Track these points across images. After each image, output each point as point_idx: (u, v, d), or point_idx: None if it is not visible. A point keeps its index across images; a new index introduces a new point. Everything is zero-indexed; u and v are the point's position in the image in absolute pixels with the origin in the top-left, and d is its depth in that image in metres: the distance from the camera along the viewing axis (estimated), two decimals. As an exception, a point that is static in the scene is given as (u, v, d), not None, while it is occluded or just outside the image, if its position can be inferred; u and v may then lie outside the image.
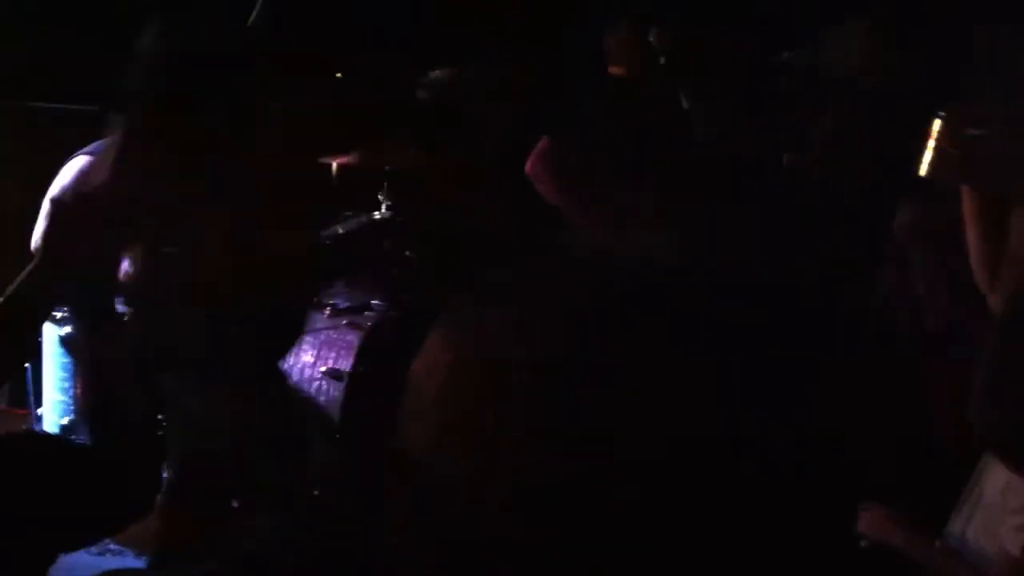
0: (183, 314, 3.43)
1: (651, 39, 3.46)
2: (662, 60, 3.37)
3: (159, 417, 3.40)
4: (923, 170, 2.40)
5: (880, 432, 2.92)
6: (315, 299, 4.38)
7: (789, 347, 2.95)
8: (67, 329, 4.35)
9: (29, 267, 3.00)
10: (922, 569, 2.46)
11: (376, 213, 4.48)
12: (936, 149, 2.36)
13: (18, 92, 4.81)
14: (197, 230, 3.51)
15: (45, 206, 3.06)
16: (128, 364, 3.58)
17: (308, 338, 4.27)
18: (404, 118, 4.50)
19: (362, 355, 4.11)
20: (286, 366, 4.25)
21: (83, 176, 3.07)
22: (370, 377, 4.10)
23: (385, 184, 4.44)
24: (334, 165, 4.53)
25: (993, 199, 2.37)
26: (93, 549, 3.84)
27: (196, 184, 3.36)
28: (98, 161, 3.07)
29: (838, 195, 2.99)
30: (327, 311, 4.33)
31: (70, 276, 3.14)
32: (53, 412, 4.31)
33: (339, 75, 4.60)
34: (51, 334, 4.39)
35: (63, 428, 4.12)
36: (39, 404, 4.42)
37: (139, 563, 3.89)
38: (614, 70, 3.49)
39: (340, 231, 4.44)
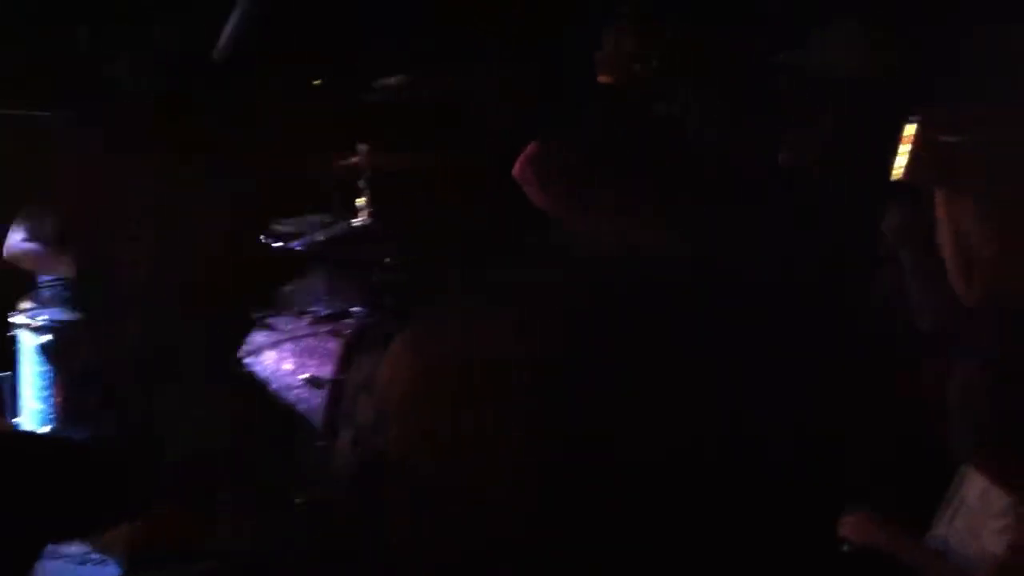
0: (180, 313, 3.45)
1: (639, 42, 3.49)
2: (654, 64, 3.38)
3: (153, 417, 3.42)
4: (898, 173, 2.42)
5: (870, 433, 2.94)
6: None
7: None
8: (46, 338, 4.35)
9: None
10: (907, 571, 2.49)
11: (356, 220, 4.47)
12: (911, 152, 2.39)
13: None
14: (194, 229, 3.54)
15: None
16: (125, 364, 3.60)
17: (288, 345, 4.26)
18: (401, 119, 4.50)
19: (343, 362, 4.11)
20: (266, 373, 4.25)
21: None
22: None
23: (366, 190, 4.43)
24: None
25: (966, 201, 2.39)
26: (75, 558, 3.83)
27: (191, 184, 3.39)
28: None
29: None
30: (307, 318, 4.34)
31: None
32: (32, 421, 4.30)
33: (325, 77, 4.59)
34: (29, 343, 4.38)
35: (42, 437, 4.09)
36: (17, 413, 4.41)
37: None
38: (603, 79, 3.51)
39: (321, 238, 4.44)
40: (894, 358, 2.92)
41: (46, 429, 4.16)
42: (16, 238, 4.41)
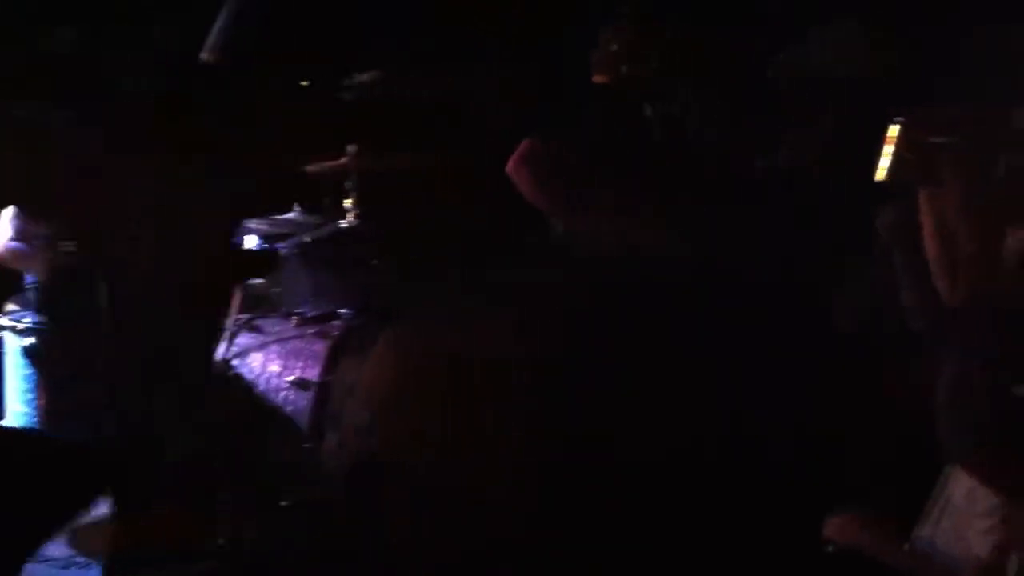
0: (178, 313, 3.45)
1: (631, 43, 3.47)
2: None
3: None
4: (882, 174, 2.41)
5: (860, 432, 2.92)
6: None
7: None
8: (30, 340, 4.32)
9: None
10: (892, 572, 2.47)
11: (343, 221, 4.45)
12: (894, 153, 2.37)
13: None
14: (192, 229, 3.53)
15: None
16: (114, 366, 3.60)
17: (275, 347, 4.24)
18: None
19: (329, 364, 4.09)
20: (253, 375, 4.23)
21: None
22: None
23: (353, 191, 4.41)
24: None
25: (949, 201, 2.37)
26: (59, 562, 3.82)
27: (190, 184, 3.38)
28: None
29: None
30: (294, 320, 4.31)
31: None
32: (16, 423, 4.29)
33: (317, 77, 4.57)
34: (14, 345, 4.36)
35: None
36: (1, 416, 4.39)
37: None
38: (600, 78, 3.48)
39: (308, 239, 4.42)
40: (885, 357, 2.90)
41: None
42: (3, 237, 4.39)
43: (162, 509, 3.81)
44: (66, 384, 4.21)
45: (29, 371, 4.29)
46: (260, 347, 4.27)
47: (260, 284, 4.56)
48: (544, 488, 3.13)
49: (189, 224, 4.27)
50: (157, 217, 4.28)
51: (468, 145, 4.25)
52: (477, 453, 3.25)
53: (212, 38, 4.80)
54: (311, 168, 4.52)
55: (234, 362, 4.27)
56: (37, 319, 4.33)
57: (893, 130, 2.39)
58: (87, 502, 3.25)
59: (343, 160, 4.43)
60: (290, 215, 4.57)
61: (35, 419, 4.24)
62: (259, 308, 4.46)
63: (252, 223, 4.56)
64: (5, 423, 4.31)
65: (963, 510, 2.40)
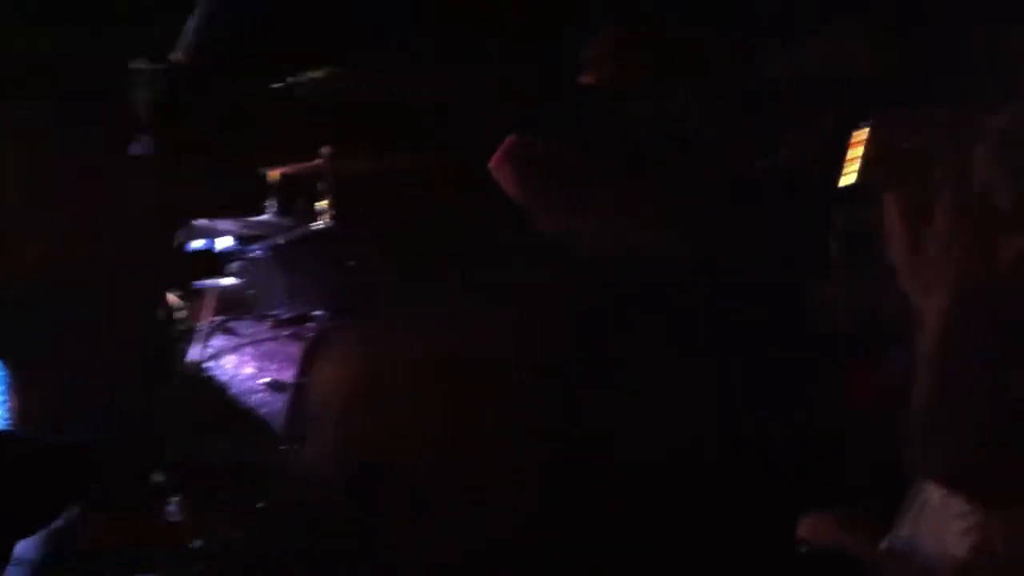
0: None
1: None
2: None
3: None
4: (850, 178, 2.42)
5: (834, 432, 2.94)
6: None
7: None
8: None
9: None
10: (868, 573, 2.47)
11: (318, 223, 4.45)
12: (863, 157, 2.39)
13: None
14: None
15: None
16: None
17: (249, 349, 4.24)
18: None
19: (304, 366, 4.08)
20: (227, 377, 4.22)
21: None
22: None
23: (328, 193, 4.40)
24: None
25: (918, 205, 2.38)
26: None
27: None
28: None
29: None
30: (269, 322, 4.31)
31: None
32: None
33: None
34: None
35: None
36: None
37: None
38: (596, 79, 3.49)
39: (280, 242, 4.41)
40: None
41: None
42: None
43: (134, 512, 3.80)
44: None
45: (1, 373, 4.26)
46: (234, 349, 4.26)
47: (234, 286, 4.55)
48: (518, 489, 3.13)
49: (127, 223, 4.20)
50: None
51: (452, 144, 4.25)
52: (446, 454, 3.26)
53: (184, 38, 4.79)
54: (285, 170, 4.51)
55: (208, 364, 4.26)
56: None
57: (861, 134, 2.40)
58: (56, 504, 3.24)
59: (317, 162, 4.43)
60: (264, 217, 4.56)
61: (8, 422, 4.21)
62: (233, 310, 4.46)
63: (226, 225, 4.56)
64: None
65: (940, 511, 2.41)
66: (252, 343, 4.25)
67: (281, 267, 4.39)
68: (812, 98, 3.10)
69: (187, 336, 4.35)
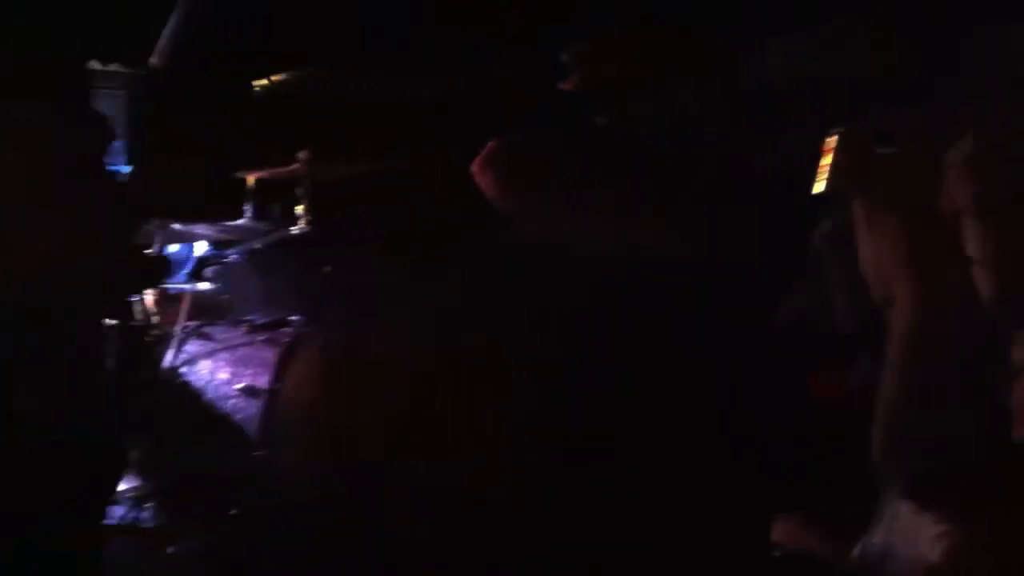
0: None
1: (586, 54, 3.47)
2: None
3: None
4: (821, 185, 2.41)
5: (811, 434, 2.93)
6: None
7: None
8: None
9: None
10: (841, 576, 2.47)
11: (295, 228, 4.43)
12: (832, 164, 2.38)
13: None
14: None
15: None
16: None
17: (224, 355, 4.21)
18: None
19: (279, 371, 4.06)
20: (201, 383, 4.19)
21: None
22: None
23: (305, 197, 4.39)
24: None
25: (886, 210, 2.38)
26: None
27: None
28: None
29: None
30: (244, 327, 4.28)
31: None
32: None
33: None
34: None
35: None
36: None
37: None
38: (567, 86, 3.48)
39: (257, 246, 4.40)
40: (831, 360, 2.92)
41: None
42: None
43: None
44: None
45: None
46: (209, 354, 4.24)
47: (210, 291, 4.53)
48: (508, 490, 3.13)
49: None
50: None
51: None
52: (430, 456, 3.25)
53: (161, 42, 4.77)
54: (261, 174, 4.50)
55: (182, 369, 4.24)
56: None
57: (831, 141, 2.40)
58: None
59: (294, 166, 4.41)
60: (240, 221, 4.55)
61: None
62: (208, 315, 4.44)
63: (202, 229, 4.54)
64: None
65: (913, 516, 2.40)
66: (227, 348, 4.22)
67: (257, 272, 4.37)
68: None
69: (161, 341, 4.32)
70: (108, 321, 4.22)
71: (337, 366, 3.81)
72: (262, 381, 4.04)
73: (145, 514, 3.94)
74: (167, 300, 4.47)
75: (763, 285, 3.07)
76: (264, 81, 4.42)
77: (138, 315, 4.44)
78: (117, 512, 3.90)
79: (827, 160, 2.40)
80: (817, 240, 2.84)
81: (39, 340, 3.27)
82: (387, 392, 3.50)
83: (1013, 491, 2.15)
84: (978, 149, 2.18)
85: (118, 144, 4.58)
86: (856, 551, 2.47)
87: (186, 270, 4.76)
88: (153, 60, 4.77)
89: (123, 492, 3.95)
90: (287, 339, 4.12)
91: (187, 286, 4.64)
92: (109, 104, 4.57)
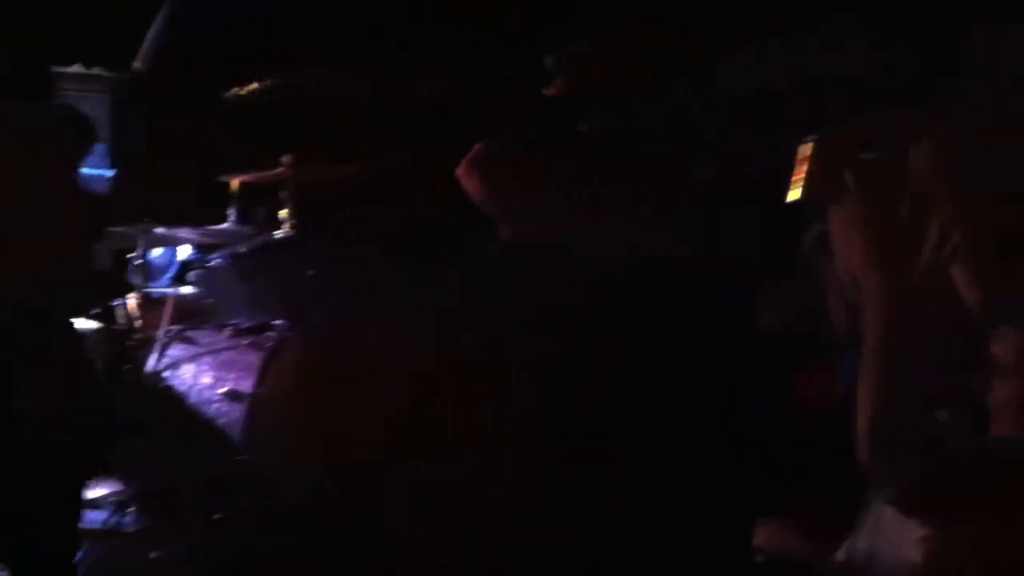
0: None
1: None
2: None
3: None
4: (795, 194, 2.41)
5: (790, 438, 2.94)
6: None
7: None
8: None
9: None
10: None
11: (278, 231, 4.43)
12: (807, 172, 2.38)
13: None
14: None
15: None
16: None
17: (208, 359, 4.20)
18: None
19: (263, 375, 4.05)
20: (184, 387, 4.18)
21: None
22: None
23: (290, 201, 4.38)
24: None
25: (860, 219, 2.38)
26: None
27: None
28: None
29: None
30: (228, 331, 4.27)
31: None
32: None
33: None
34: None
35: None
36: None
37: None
38: (552, 92, 3.48)
39: (240, 250, 4.38)
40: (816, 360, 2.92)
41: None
42: None
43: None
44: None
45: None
46: (193, 358, 4.23)
47: (193, 295, 4.53)
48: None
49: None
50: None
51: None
52: (380, 457, 3.27)
53: (144, 46, 4.76)
54: (245, 178, 4.49)
55: (166, 373, 4.22)
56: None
57: (805, 148, 2.40)
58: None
59: (278, 170, 4.41)
60: (224, 225, 4.54)
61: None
62: (192, 319, 4.43)
63: (186, 233, 4.53)
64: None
65: (896, 519, 2.40)
66: (211, 352, 4.21)
67: (240, 276, 4.36)
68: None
69: (144, 345, 4.31)
70: (90, 325, 4.23)
71: (323, 368, 3.80)
72: (245, 385, 4.03)
73: (128, 518, 3.93)
74: (150, 304, 4.46)
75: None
76: (249, 86, 4.41)
77: (121, 319, 4.43)
78: (100, 516, 3.90)
79: (802, 168, 2.41)
80: (806, 241, 2.85)
81: (23, 339, 3.27)
82: (374, 394, 3.50)
83: (997, 492, 2.16)
84: (952, 148, 2.18)
85: (101, 147, 4.57)
86: (840, 554, 2.48)
87: (169, 274, 4.75)
88: (136, 64, 4.76)
89: (106, 496, 3.95)
90: (271, 343, 4.11)
91: (170, 290, 4.62)
92: (92, 107, 4.56)
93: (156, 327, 4.38)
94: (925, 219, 2.11)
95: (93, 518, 3.89)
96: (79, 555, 3.72)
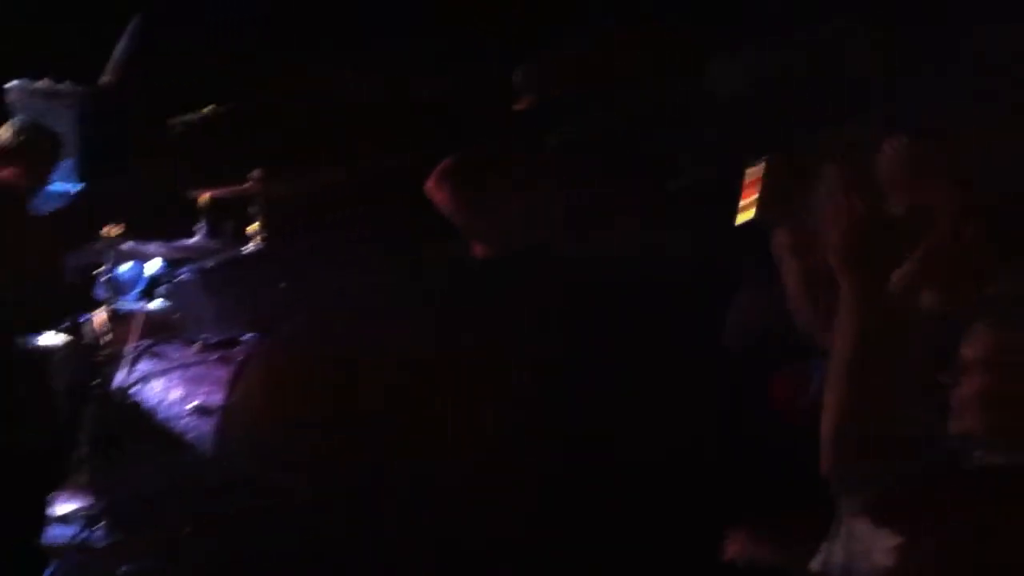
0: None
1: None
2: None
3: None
4: (748, 215, 2.41)
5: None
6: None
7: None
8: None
9: None
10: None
11: (248, 246, 4.41)
12: (760, 193, 2.39)
13: None
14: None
15: None
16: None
17: (177, 373, 4.18)
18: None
19: (233, 389, 4.04)
20: (153, 402, 4.16)
21: None
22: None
23: (259, 215, 4.38)
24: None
25: (807, 241, 2.39)
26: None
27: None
28: None
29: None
30: (197, 346, 4.25)
31: None
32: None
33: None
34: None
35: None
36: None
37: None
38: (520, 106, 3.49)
39: (209, 265, 4.37)
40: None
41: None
42: None
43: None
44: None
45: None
46: (162, 373, 4.20)
47: (163, 309, 4.51)
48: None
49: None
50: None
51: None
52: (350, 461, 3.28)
53: (112, 60, 4.75)
54: (215, 192, 4.48)
55: (135, 388, 4.20)
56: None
57: (756, 170, 2.40)
58: None
59: (247, 184, 4.41)
60: (193, 239, 4.52)
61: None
62: (161, 334, 4.40)
63: (155, 247, 4.52)
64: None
65: (867, 528, 2.42)
66: (180, 367, 4.19)
67: (210, 290, 4.34)
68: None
69: (113, 360, 4.28)
70: (58, 340, 4.21)
71: (291, 379, 3.80)
72: (215, 400, 4.01)
73: (97, 534, 3.90)
74: (118, 319, 4.43)
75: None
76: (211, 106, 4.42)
77: (89, 334, 4.40)
78: (69, 532, 3.88)
79: (752, 191, 2.41)
80: (775, 246, 2.87)
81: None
82: (341, 403, 3.50)
83: (967, 498, 2.18)
84: (914, 159, 2.20)
85: (68, 162, 4.55)
86: (816, 564, 2.49)
87: (138, 289, 4.72)
88: (104, 78, 4.74)
89: (75, 512, 3.92)
90: (240, 357, 4.10)
91: (139, 305, 4.60)
92: (60, 121, 4.54)
93: (125, 342, 4.36)
94: (899, 222, 2.13)
95: (62, 533, 3.88)
96: (47, 571, 3.70)
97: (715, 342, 3.02)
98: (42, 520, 3.76)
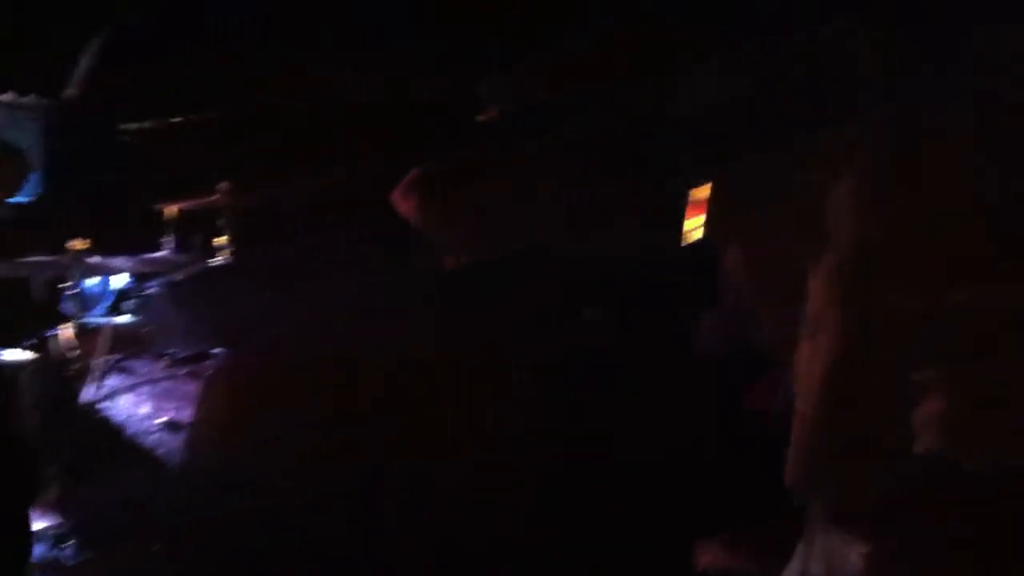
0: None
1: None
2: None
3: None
4: (697, 233, 2.42)
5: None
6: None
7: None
8: None
9: None
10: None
11: (216, 259, 4.40)
12: (708, 212, 2.39)
13: None
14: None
15: None
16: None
17: (146, 389, 4.17)
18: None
19: (202, 404, 4.02)
20: (121, 417, 4.14)
21: None
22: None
23: (228, 228, 4.36)
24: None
25: (765, 259, 2.40)
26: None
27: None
28: None
29: None
30: (165, 361, 4.24)
31: None
32: None
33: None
34: None
35: None
36: None
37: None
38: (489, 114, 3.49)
39: (178, 278, 4.35)
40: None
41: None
42: None
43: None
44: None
45: None
46: (130, 388, 4.19)
47: (131, 324, 4.48)
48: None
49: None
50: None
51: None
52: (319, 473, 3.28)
53: (77, 73, 4.72)
54: (182, 205, 4.46)
55: (103, 404, 4.18)
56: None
57: (703, 189, 2.40)
58: None
59: (214, 197, 4.39)
60: (161, 253, 4.50)
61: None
62: (130, 348, 4.38)
63: (122, 262, 4.49)
64: None
65: (841, 536, 2.43)
66: (148, 382, 4.18)
67: (178, 304, 4.32)
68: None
69: (81, 375, 4.25)
70: (25, 356, 4.18)
71: (259, 392, 3.79)
72: (184, 415, 4.00)
73: (67, 551, 3.87)
74: (86, 334, 4.40)
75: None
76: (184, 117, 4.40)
77: (56, 350, 4.37)
78: (39, 550, 3.84)
79: (699, 212, 2.42)
80: (727, 263, 2.88)
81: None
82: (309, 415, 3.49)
83: (935, 507, 2.20)
84: (877, 183, 2.21)
85: (33, 175, 4.53)
86: (785, 572, 2.50)
87: (105, 303, 4.69)
88: (69, 91, 4.72)
89: (45, 530, 3.89)
90: (209, 372, 4.09)
91: (106, 320, 4.57)
92: (25, 135, 4.52)
93: (92, 357, 4.33)
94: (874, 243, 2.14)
95: (33, 552, 3.84)
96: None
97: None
98: (14, 537, 3.73)
